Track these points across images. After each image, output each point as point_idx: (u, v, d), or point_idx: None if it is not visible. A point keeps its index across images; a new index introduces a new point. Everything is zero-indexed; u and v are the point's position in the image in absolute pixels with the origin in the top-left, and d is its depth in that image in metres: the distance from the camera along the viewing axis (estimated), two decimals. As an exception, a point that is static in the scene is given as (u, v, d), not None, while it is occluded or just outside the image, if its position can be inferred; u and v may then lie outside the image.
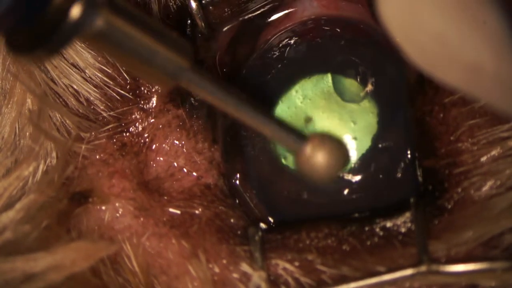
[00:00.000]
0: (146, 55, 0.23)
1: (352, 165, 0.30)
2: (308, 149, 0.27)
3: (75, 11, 0.21)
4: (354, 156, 0.30)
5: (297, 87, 0.30)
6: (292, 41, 0.31)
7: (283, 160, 0.30)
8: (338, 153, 0.27)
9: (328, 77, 0.30)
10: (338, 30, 0.30)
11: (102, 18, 0.21)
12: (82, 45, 0.29)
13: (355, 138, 0.30)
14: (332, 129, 0.30)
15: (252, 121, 0.27)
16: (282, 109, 0.30)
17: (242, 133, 0.30)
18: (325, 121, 0.30)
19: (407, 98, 0.30)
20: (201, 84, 0.25)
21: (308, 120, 0.30)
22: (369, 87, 0.30)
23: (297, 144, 0.27)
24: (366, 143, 0.30)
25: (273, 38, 0.31)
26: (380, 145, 0.30)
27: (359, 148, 0.30)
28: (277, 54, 0.31)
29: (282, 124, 0.27)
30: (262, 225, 0.30)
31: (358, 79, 0.30)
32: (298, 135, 0.27)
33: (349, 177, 0.30)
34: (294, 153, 0.28)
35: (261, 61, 0.30)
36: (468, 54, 0.23)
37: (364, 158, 0.30)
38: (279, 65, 0.30)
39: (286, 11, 0.31)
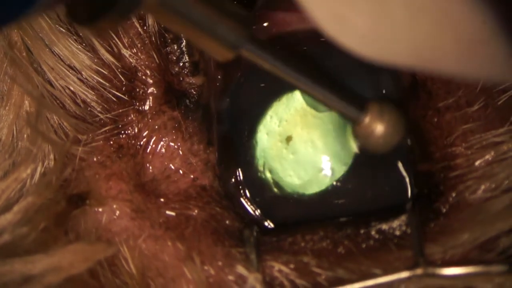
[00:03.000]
0: (207, 25, 0.24)
1: (345, 170, 0.31)
2: (366, 119, 0.28)
3: None
4: (345, 164, 0.31)
5: (271, 112, 0.31)
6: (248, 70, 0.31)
7: (267, 174, 0.31)
8: (396, 123, 0.28)
9: (297, 93, 0.31)
10: (298, 42, 0.31)
11: None
12: (79, 46, 0.29)
13: (341, 146, 0.31)
14: (316, 142, 0.31)
15: (311, 91, 0.27)
16: (262, 138, 0.31)
17: (235, 141, 0.31)
18: (306, 136, 0.31)
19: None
20: (261, 55, 0.26)
21: (289, 139, 0.31)
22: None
23: (356, 114, 0.28)
24: (353, 148, 0.31)
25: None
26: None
27: (348, 155, 0.31)
28: (244, 80, 0.31)
29: (341, 94, 0.28)
30: (257, 227, 0.31)
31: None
32: (357, 105, 0.28)
33: (344, 181, 0.31)
34: (353, 123, 0.29)
35: (235, 88, 0.31)
36: None
37: (358, 162, 0.31)
38: (251, 91, 0.31)
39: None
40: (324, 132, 0.31)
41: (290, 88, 0.31)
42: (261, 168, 0.31)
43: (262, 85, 0.31)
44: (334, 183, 0.31)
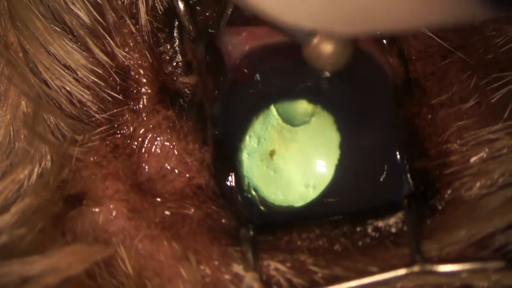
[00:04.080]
0: None
1: (329, 182, 0.31)
2: (315, 40, 0.27)
3: None
4: (328, 174, 0.31)
5: (250, 131, 0.31)
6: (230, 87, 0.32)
7: (253, 192, 0.32)
8: (344, 42, 0.28)
9: (273, 110, 0.31)
10: (266, 61, 0.32)
11: None
12: (74, 45, 0.29)
13: (321, 158, 0.31)
14: (295, 157, 0.31)
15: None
16: (244, 158, 0.31)
17: (228, 146, 0.32)
18: (286, 152, 0.31)
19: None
20: None
21: (273, 153, 0.31)
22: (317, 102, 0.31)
23: (304, 35, 0.28)
24: (336, 153, 0.31)
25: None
26: (357, 149, 0.31)
27: (329, 165, 0.31)
28: (224, 101, 0.32)
29: None
30: (253, 226, 0.31)
31: (306, 98, 0.31)
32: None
33: (338, 180, 0.31)
34: (302, 43, 0.28)
35: (220, 107, 0.32)
36: None
37: (348, 163, 0.31)
38: (231, 111, 0.32)
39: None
40: (302, 146, 0.31)
41: (267, 103, 0.31)
42: (246, 188, 0.31)
43: (247, 97, 0.32)
44: (323, 190, 0.31)
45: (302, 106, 0.31)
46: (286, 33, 0.28)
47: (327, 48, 0.28)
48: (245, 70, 0.32)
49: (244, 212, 0.32)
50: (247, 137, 0.31)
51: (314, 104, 0.31)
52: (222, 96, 0.32)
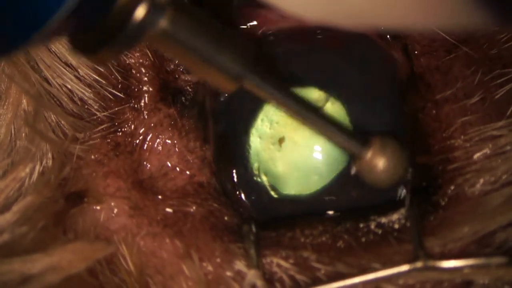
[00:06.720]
0: (208, 55, 0.24)
1: (340, 170, 0.31)
2: (369, 154, 0.28)
3: (140, 12, 0.21)
4: (340, 163, 0.31)
5: (262, 115, 0.31)
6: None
7: (263, 177, 0.32)
8: (398, 158, 0.28)
9: None
10: (278, 45, 0.32)
11: (167, 18, 0.22)
12: None
13: (334, 146, 0.31)
14: (305, 143, 0.31)
15: (313, 124, 0.28)
16: (255, 142, 0.31)
17: (231, 141, 0.32)
18: (297, 137, 0.31)
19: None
20: (262, 86, 0.26)
21: (282, 140, 0.31)
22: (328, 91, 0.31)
23: (358, 149, 0.28)
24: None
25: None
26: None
27: (341, 153, 0.31)
28: None
29: (342, 129, 0.28)
30: (256, 222, 0.31)
31: (317, 86, 0.31)
32: (359, 139, 0.28)
33: (342, 176, 0.31)
34: (355, 157, 0.29)
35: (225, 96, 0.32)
36: None
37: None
38: (241, 95, 0.31)
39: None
40: (315, 133, 0.31)
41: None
42: (256, 172, 0.31)
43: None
44: (331, 180, 0.31)
45: (315, 92, 0.31)
46: (341, 143, 0.28)
47: (380, 162, 0.28)
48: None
49: (249, 204, 0.32)
50: (259, 121, 0.31)
51: (326, 92, 0.31)
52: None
